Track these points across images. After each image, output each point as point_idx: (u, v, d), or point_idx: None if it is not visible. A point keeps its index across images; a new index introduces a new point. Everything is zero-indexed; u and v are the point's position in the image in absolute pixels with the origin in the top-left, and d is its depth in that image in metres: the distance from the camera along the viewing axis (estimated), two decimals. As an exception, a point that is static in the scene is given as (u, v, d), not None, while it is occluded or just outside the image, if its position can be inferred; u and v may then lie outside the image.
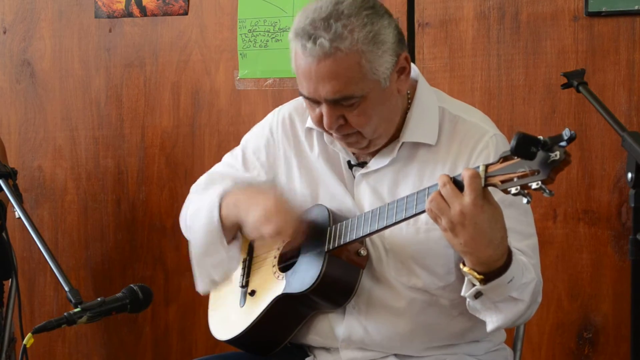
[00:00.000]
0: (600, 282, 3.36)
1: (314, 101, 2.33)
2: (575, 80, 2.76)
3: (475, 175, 2.06)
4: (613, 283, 3.34)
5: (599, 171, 3.34)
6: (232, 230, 2.52)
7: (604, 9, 3.29)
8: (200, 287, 2.59)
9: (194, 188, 2.70)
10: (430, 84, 2.52)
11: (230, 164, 2.67)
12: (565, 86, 2.80)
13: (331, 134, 2.39)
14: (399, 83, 2.35)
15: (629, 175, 2.24)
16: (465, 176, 2.07)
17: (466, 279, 2.21)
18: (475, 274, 2.17)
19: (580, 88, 2.74)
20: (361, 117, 2.31)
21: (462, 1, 3.48)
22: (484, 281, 2.17)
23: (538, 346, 3.44)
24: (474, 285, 2.20)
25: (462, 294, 2.24)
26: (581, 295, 3.38)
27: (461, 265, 2.20)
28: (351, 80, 2.26)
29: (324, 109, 2.31)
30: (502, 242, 2.14)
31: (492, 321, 2.27)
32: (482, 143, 2.38)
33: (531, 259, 2.34)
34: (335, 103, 2.29)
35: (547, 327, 3.42)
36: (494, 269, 2.16)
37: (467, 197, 2.06)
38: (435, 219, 2.13)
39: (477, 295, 2.21)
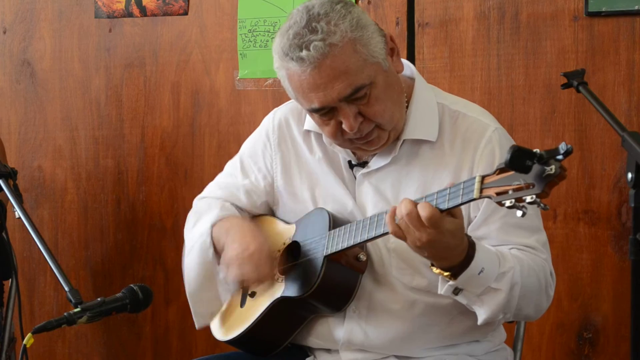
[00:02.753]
0: (600, 282, 3.36)
1: (327, 112, 2.32)
2: (575, 80, 2.76)
3: (431, 216, 2.10)
4: (613, 283, 3.34)
5: (599, 171, 3.34)
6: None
7: (604, 9, 3.29)
8: (199, 323, 2.61)
9: (194, 204, 2.70)
10: (430, 84, 2.52)
11: (229, 173, 2.67)
12: (565, 86, 2.80)
13: (351, 141, 2.38)
14: (395, 64, 2.38)
15: (629, 175, 2.24)
16: (423, 216, 2.10)
17: (439, 277, 2.25)
18: (443, 272, 2.22)
19: (580, 88, 2.74)
20: (376, 105, 2.31)
21: (462, 1, 3.48)
22: (452, 276, 2.21)
23: (538, 346, 3.44)
24: (447, 282, 2.24)
25: (439, 292, 2.26)
26: (581, 295, 3.39)
27: (430, 267, 2.24)
28: (356, 69, 2.27)
29: (341, 112, 2.30)
30: (461, 243, 2.18)
31: (480, 314, 2.29)
32: (485, 138, 2.38)
33: (542, 254, 2.36)
34: (349, 100, 2.29)
35: (547, 327, 3.42)
36: (456, 263, 2.20)
37: (430, 230, 2.11)
38: (401, 238, 2.18)
39: (457, 291, 2.24)
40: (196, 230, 2.57)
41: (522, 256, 2.31)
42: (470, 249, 2.20)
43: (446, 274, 2.22)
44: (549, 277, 2.36)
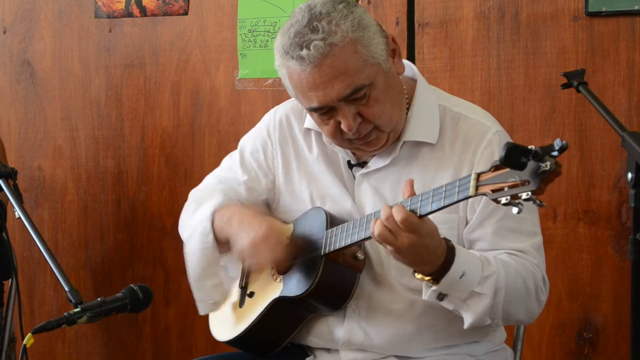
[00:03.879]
0: (600, 282, 3.36)
1: (326, 111, 2.32)
2: (575, 80, 2.76)
3: (406, 219, 2.12)
4: (613, 283, 3.34)
5: (599, 171, 3.34)
6: (226, 244, 2.53)
7: (604, 9, 3.29)
8: (202, 310, 2.60)
9: (191, 194, 2.69)
10: (430, 84, 2.52)
11: (228, 167, 2.66)
12: (565, 86, 2.80)
13: (350, 141, 2.38)
14: (396, 65, 2.38)
15: (629, 175, 2.24)
16: (398, 220, 2.13)
17: (423, 284, 2.27)
18: (425, 277, 2.24)
19: (580, 88, 2.74)
20: (375, 106, 2.31)
21: (462, 1, 3.48)
22: (434, 281, 2.23)
23: (538, 346, 3.44)
24: (431, 287, 2.25)
25: (423, 297, 2.28)
26: (581, 295, 3.38)
27: (414, 275, 2.26)
28: (355, 70, 2.27)
29: (340, 112, 2.30)
30: (439, 245, 2.20)
31: (466, 318, 2.29)
32: (486, 141, 2.38)
33: (534, 259, 2.35)
34: (348, 100, 2.29)
35: (547, 327, 3.42)
36: (437, 268, 2.21)
37: (409, 234, 2.14)
38: (381, 243, 2.19)
39: (441, 297, 2.26)
40: (197, 216, 2.56)
41: (509, 261, 2.31)
42: (449, 253, 2.21)
43: (427, 278, 2.23)
44: (540, 282, 2.35)
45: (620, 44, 3.30)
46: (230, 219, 2.47)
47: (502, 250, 2.34)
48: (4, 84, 4.25)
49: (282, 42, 2.30)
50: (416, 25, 3.54)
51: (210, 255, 2.52)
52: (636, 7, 3.24)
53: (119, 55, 4.05)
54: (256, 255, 2.39)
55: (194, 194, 2.67)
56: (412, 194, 2.18)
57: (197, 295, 2.58)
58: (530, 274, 2.33)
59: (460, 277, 2.22)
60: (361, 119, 2.32)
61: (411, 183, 2.19)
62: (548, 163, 1.93)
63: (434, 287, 2.24)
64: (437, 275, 2.22)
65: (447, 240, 2.23)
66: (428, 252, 2.18)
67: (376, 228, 2.16)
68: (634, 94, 3.29)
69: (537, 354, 3.44)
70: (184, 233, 2.61)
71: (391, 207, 2.16)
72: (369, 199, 2.44)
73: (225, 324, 2.60)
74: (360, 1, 3.61)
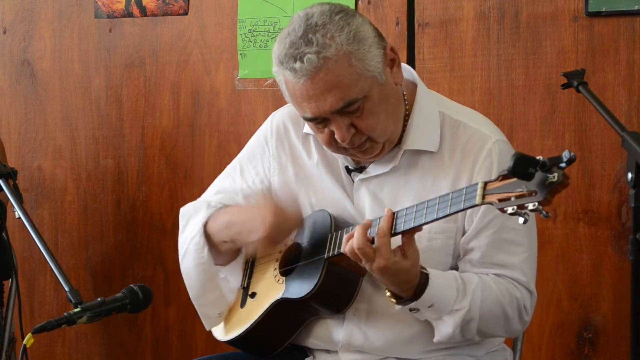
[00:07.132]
0: (600, 282, 3.36)
1: (320, 121, 2.32)
2: (575, 80, 2.76)
3: (385, 242, 2.19)
4: (613, 283, 3.34)
5: (599, 171, 3.34)
6: (229, 254, 2.53)
7: (604, 9, 3.29)
8: (209, 325, 2.61)
9: (182, 210, 2.68)
10: (430, 84, 2.52)
11: (227, 175, 2.66)
12: (565, 86, 2.80)
13: (345, 149, 2.37)
14: (394, 75, 2.36)
15: (629, 175, 2.24)
16: (377, 241, 2.19)
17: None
18: (392, 299, 2.29)
19: (580, 88, 2.74)
20: (369, 118, 2.30)
21: (462, 1, 3.48)
22: (398, 304, 2.29)
23: (538, 346, 3.44)
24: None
25: (396, 307, 2.32)
26: (581, 295, 3.38)
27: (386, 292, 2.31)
28: (349, 84, 2.26)
29: (333, 123, 2.30)
30: (415, 275, 2.25)
31: (435, 332, 2.35)
32: (485, 151, 2.37)
33: (523, 276, 2.36)
34: (341, 113, 2.28)
35: (547, 327, 3.42)
36: (408, 295, 2.27)
37: (381, 259, 2.19)
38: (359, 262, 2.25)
39: (412, 310, 2.32)
40: (187, 233, 2.56)
41: (493, 286, 2.33)
42: (418, 288, 2.25)
43: (393, 300, 2.29)
44: (523, 304, 2.36)
45: (620, 44, 3.30)
46: (230, 224, 2.47)
47: (492, 267, 2.36)
48: (4, 84, 4.25)
49: (278, 51, 2.30)
50: (416, 25, 3.53)
51: (208, 270, 2.53)
52: (636, 7, 3.24)
53: (119, 55, 4.05)
54: (273, 240, 2.41)
55: (182, 210, 2.66)
56: None
57: (201, 311, 2.59)
58: (513, 299, 2.35)
59: (429, 307, 2.27)
60: (355, 130, 2.31)
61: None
62: (556, 174, 1.93)
63: (398, 307, 2.31)
64: (405, 300, 2.28)
65: (422, 269, 2.26)
66: (406, 276, 2.24)
67: (348, 247, 2.22)
68: (634, 94, 3.29)
69: (537, 354, 3.44)
70: (179, 252, 2.61)
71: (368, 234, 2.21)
72: (368, 204, 2.44)
73: (227, 324, 2.60)
74: (360, 1, 3.61)
